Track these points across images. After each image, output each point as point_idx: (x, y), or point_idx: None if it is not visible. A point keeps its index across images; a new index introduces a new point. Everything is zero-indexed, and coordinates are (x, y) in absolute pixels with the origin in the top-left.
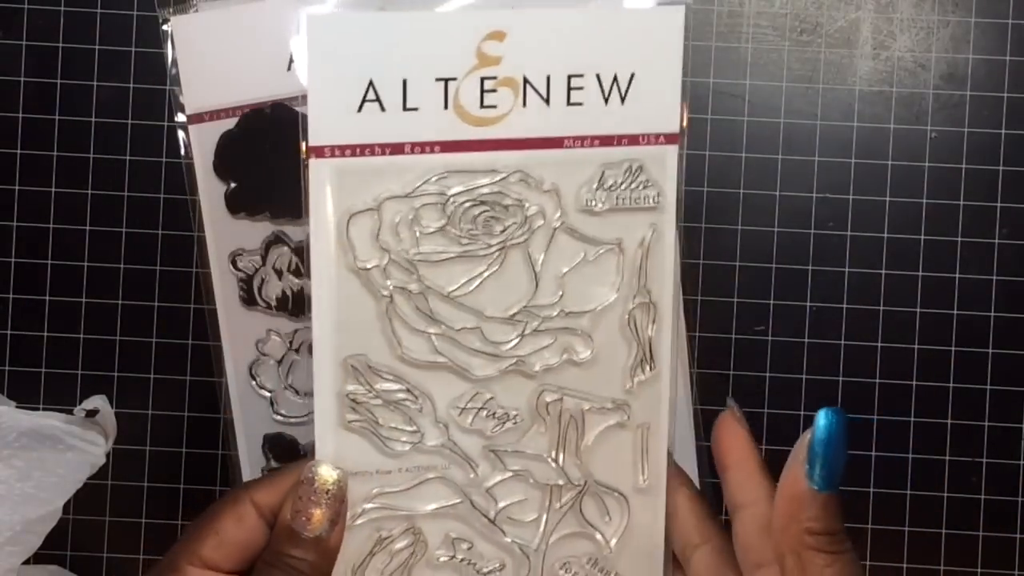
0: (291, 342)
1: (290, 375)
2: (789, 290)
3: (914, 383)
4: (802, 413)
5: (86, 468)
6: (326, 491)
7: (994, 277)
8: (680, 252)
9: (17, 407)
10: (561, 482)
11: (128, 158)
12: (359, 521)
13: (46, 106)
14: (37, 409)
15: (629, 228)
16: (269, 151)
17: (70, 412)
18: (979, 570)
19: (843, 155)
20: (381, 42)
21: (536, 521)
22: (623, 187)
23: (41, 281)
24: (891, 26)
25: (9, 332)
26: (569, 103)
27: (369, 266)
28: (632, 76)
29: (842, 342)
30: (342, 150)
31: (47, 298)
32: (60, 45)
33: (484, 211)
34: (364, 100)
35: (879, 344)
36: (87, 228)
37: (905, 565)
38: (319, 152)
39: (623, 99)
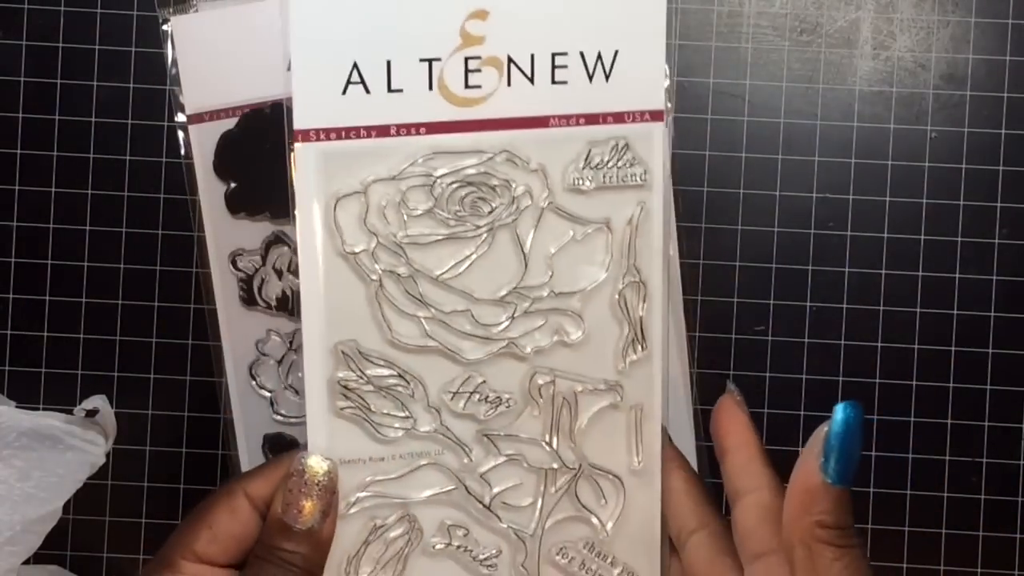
0: (291, 342)
1: (290, 375)
2: (789, 290)
3: (914, 383)
4: (802, 413)
5: (86, 468)
6: (316, 482)
7: (994, 277)
8: (681, 252)
9: (17, 407)
10: (555, 466)
11: (128, 158)
12: (353, 510)
13: (46, 106)
14: (37, 409)
15: (617, 206)
16: (269, 151)
17: (70, 412)
18: (979, 570)
19: (843, 155)
20: (365, 23)
21: (531, 506)
22: (610, 165)
23: (41, 281)
24: (891, 26)
25: (9, 332)
26: (554, 81)
27: (357, 250)
28: (616, 53)
29: (842, 342)
30: (327, 133)
31: (47, 298)
32: (60, 45)
33: (471, 192)
34: (348, 82)
35: (879, 344)
36: (87, 228)
37: (905, 565)
38: (304, 136)
39: (607, 77)
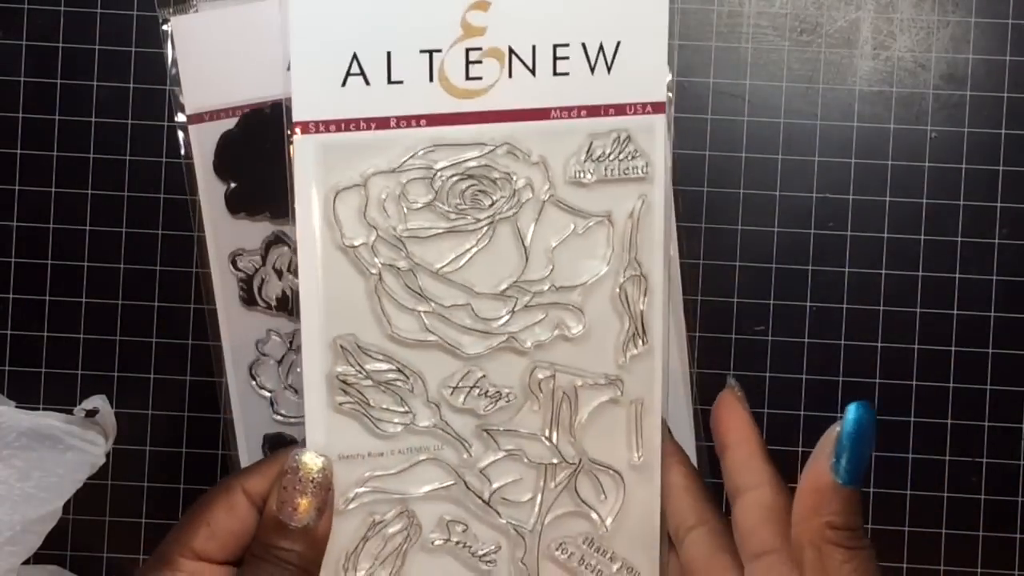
0: (291, 342)
1: (290, 375)
2: (789, 290)
3: (914, 383)
4: (802, 413)
5: (86, 468)
6: (311, 479)
7: (994, 277)
8: (681, 252)
9: (17, 407)
10: (555, 461)
11: (128, 158)
12: (351, 506)
13: (46, 106)
14: (37, 409)
15: (618, 199)
16: (269, 151)
17: (70, 412)
18: (979, 570)
19: (843, 155)
20: (365, 14)
21: (531, 501)
22: (611, 158)
23: (41, 281)
24: (891, 26)
25: (9, 332)
26: (555, 73)
27: (356, 243)
28: (618, 45)
29: (842, 342)
30: (327, 125)
31: (47, 298)
32: (60, 45)
33: (472, 185)
34: (348, 74)
35: (879, 344)
36: (87, 228)
37: (905, 565)
38: (304, 128)
39: (609, 68)
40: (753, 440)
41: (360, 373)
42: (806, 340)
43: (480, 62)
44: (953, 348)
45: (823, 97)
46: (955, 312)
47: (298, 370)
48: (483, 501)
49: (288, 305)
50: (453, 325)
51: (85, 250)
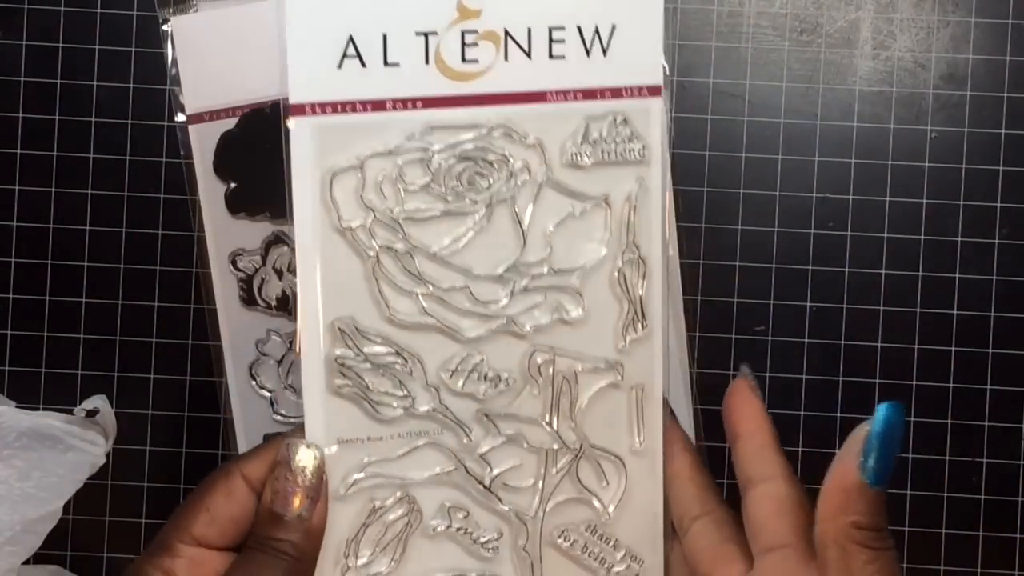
0: (291, 342)
1: (290, 375)
2: (789, 290)
3: (914, 383)
4: (802, 413)
5: (86, 468)
6: (303, 469)
7: (994, 277)
8: (681, 252)
9: (17, 407)
10: (556, 446)
11: (128, 158)
12: (351, 491)
13: (46, 106)
14: (37, 409)
15: (616, 182)
16: (269, 151)
17: (70, 412)
18: (979, 570)
19: (843, 155)
20: None
21: (532, 487)
22: (608, 141)
23: (41, 281)
24: (891, 26)
25: (9, 332)
26: (551, 56)
27: (354, 225)
28: (613, 28)
29: (842, 342)
30: (323, 108)
31: (47, 298)
32: (60, 45)
33: (469, 167)
34: (344, 56)
35: (879, 344)
36: (87, 228)
37: (905, 565)
38: (299, 110)
39: (605, 52)
40: (766, 430)
41: (358, 356)
42: (806, 340)
43: (476, 45)
44: (953, 348)
45: (823, 97)
46: (955, 312)
47: (297, 351)
48: (484, 487)
49: (288, 305)
50: (451, 308)
51: (85, 250)
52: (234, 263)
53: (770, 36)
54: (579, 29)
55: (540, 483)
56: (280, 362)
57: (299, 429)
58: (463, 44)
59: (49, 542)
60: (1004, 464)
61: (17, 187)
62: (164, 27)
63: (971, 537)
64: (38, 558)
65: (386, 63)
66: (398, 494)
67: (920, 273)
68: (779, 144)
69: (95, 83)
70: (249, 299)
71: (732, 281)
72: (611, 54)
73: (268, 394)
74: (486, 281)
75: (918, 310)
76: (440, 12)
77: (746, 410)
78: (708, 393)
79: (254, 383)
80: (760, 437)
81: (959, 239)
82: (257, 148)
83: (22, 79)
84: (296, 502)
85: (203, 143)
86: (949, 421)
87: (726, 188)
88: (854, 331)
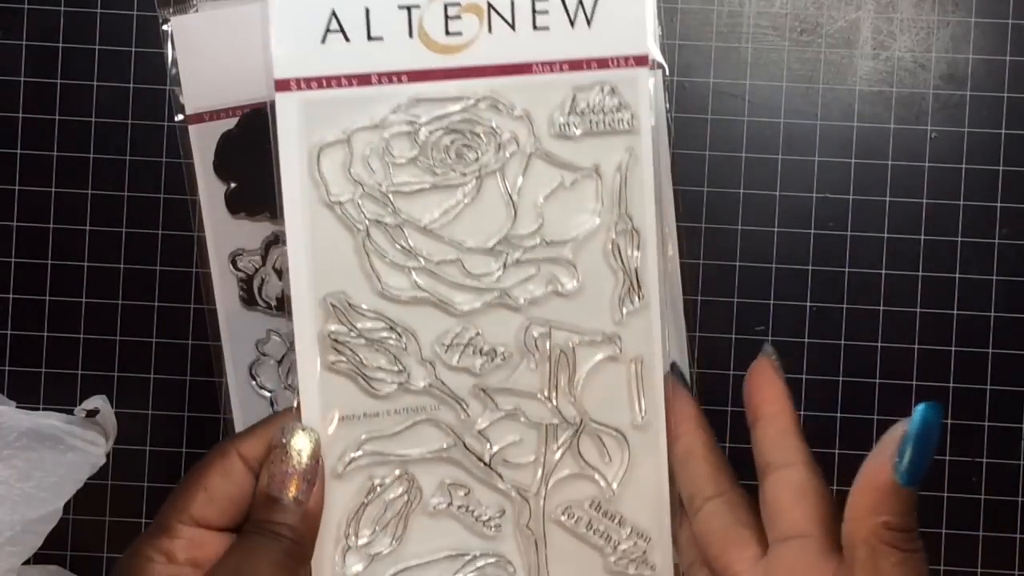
0: (291, 342)
1: (290, 375)
2: (789, 290)
3: (914, 383)
4: (802, 413)
5: (86, 468)
6: (299, 452)
7: (994, 277)
8: (681, 252)
9: (17, 407)
10: (556, 421)
11: (128, 158)
12: (349, 468)
13: (46, 106)
14: (37, 409)
15: (605, 152)
16: (269, 151)
17: (70, 412)
18: (979, 570)
19: (843, 155)
20: None
21: (533, 464)
22: (596, 111)
23: (41, 281)
24: (891, 26)
25: (9, 332)
26: (535, 27)
27: (343, 200)
28: None
29: (842, 342)
30: (307, 83)
31: (47, 298)
32: (60, 45)
33: (456, 139)
34: (327, 30)
35: (879, 344)
36: (87, 228)
37: None
38: (284, 86)
39: (589, 22)
40: (788, 414)
41: (352, 331)
42: (806, 340)
43: (459, 17)
44: (953, 348)
45: (823, 97)
46: (955, 312)
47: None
48: (484, 463)
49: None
50: (444, 281)
51: (85, 250)
52: (234, 263)
53: (770, 36)
54: (562, 0)
55: (541, 459)
56: (280, 362)
57: (296, 407)
58: (446, 17)
59: (49, 542)
60: (1004, 464)
61: (17, 187)
62: (164, 27)
63: (971, 537)
64: (38, 558)
65: (369, 37)
66: (397, 472)
67: (920, 273)
68: (779, 144)
69: (95, 83)
70: (249, 299)
71: (732, 281)
72: (596, 24)
73: (268, 394)
74: (478, 254)
75: (918, 310)
76: None
77: (768, 391)
78: (709, 394)
79: (254, 383)
80: (782, 421)
81: (959, 239)
82: (257, 148)
83: (22, 79)
84: (293, 486)
85: (203, 143)
86: (949, 421)
87: (726, 188)
88: (854, 331)
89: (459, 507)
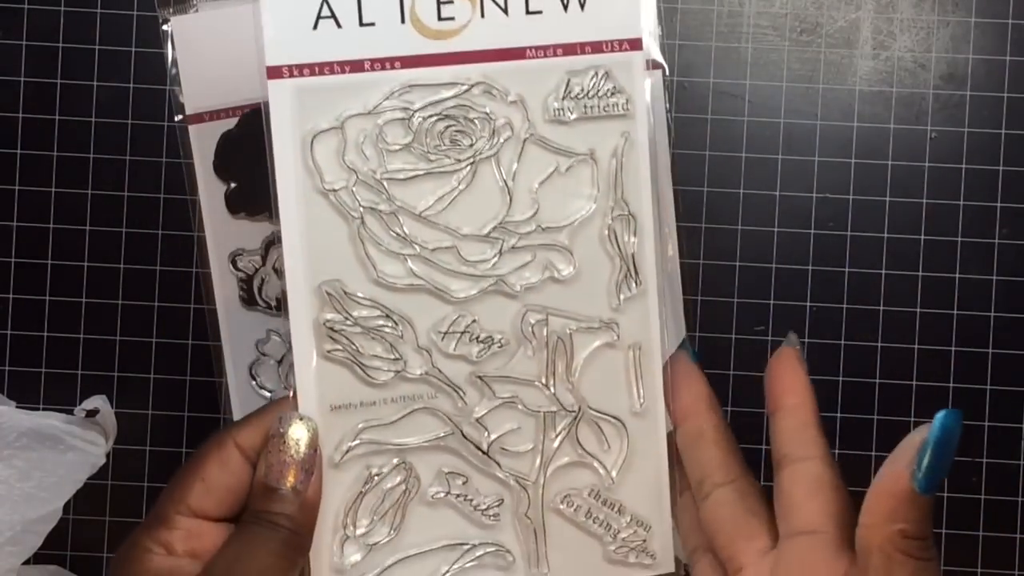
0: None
1: (290, 375)
2: (789, 290)
3: (914, 383)
4: None
5: (86, 468)
6: (296, 442)
7: (994, 277)
8: (681, 252)
9: (17, 407)
10: (554, 409)
11: (128, 158)
12: (346, 458)
13: (46, 106)
14: (37, 409)
15: (601, 137)
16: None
17: (70, 412)
18: (979, 570)
19: (843, 155)
20: None
21: (531, 452)
22: (591, 95)
23: (41, 281)
24: (891, 26)
25: (9, 332)
26: (528, 12)
27: (337, 187)
28: None
29: (842, 342)
30: (300, 69)
31: (47, 298)
32: (60, 45)
33: (450, 126)
34: (319, 17)
35: (879, 344)
36: (87, 228)
37: None
38: (277, 73)
39: (582, 6)
40: (809, 406)
41: (347, 320)
42: (806, 340)
43: (451, 2)
44: (953, 348)
45: (823, 97)
46: (955, 312)
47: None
48: (482, 452)
49: None
50: (439, 269)
51: (85, 250)
52: (234, 263)
53: (770, 36)
54: None
55: (539, 447)
56: (280, 362)
57: (292, 396)
58: (438, 2)
59: (49, 542)
60: (1004, 464)
61: (17, 187)
62: (164, 27)
63: (971, 537)
64: (38, 558)
65: (361, 23)
66: (394, 461)
67: (920, 273)
68: (779, 144)
69: (95, 83)
70: (249, 299)
71: (732, 281)
72: (589, 8)
73: (268, 394)
74: (473, 240)
75: (918, 310)
76: None
77: (790, 381)
78: None
79: (254, 383)
80: (803, 413)
81: (959, 239)
82: (257, 148)
83: (22, 79)
84: (291, 475)
85: (203, 143)
86: None
87: (726, 188)
88: (854, 331)
89: (457, 496)
